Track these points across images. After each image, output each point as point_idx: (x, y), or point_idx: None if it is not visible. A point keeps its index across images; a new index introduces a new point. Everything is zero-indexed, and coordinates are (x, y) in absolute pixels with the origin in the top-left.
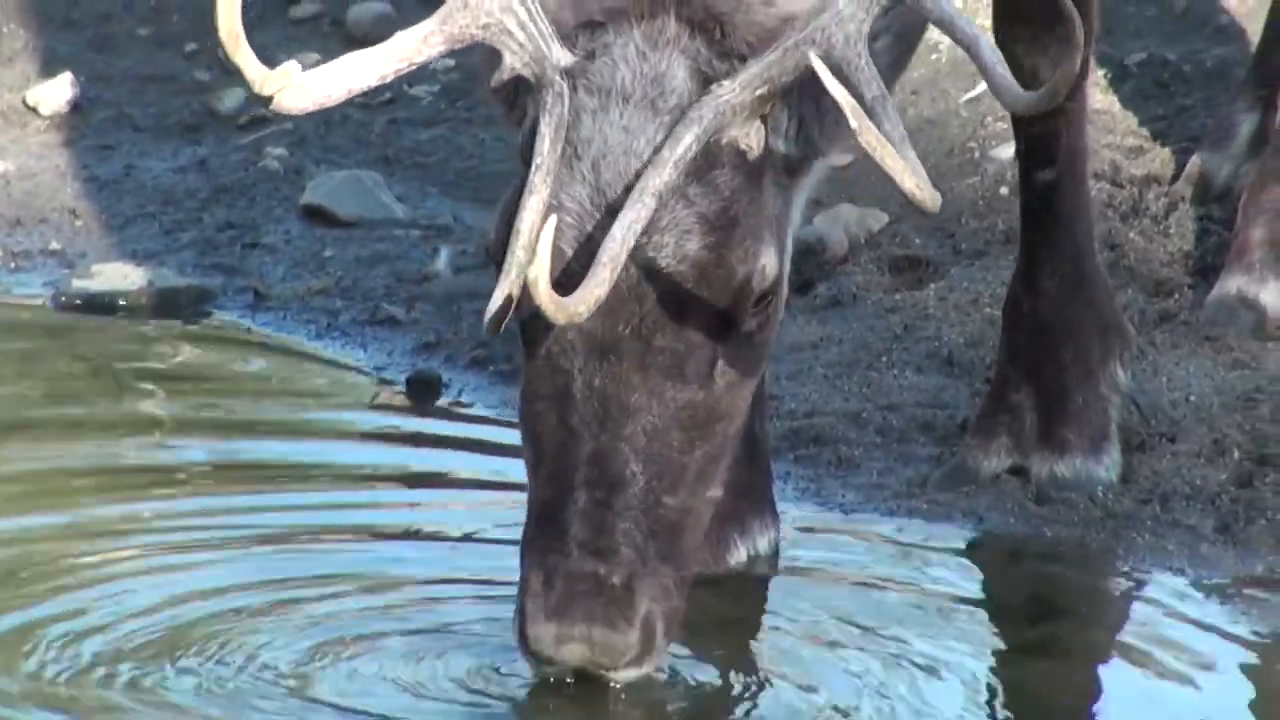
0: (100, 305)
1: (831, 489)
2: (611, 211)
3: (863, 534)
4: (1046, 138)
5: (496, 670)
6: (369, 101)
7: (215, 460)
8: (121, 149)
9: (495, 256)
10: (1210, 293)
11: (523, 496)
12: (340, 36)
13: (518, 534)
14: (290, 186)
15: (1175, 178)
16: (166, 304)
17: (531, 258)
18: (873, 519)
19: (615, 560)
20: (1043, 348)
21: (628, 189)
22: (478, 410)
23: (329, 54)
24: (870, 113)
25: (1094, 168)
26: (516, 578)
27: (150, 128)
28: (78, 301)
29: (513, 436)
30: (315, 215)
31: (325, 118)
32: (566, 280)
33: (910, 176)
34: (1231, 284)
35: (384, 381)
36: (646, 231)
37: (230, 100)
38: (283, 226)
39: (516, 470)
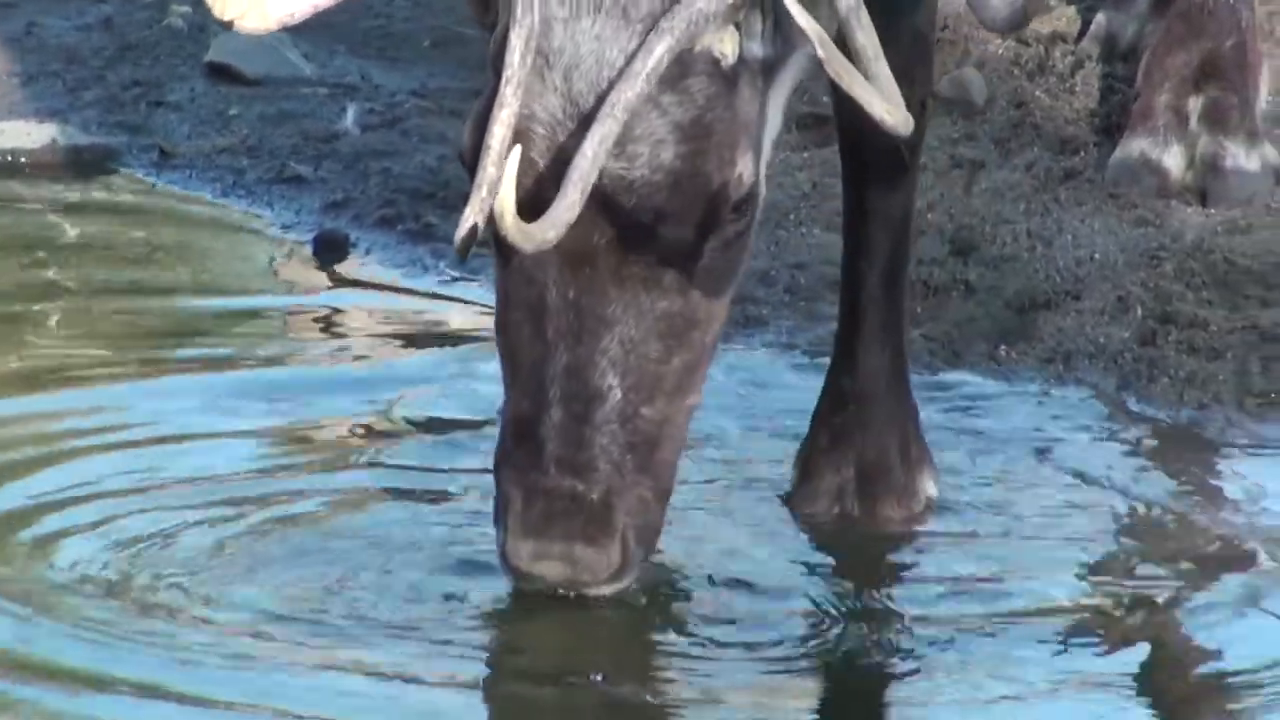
0: (3, 163)
1: (738, 345)
2: (584, 122)
3: (772, 389)
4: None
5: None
6: None
7: (120, 317)
8: (23, 6)
9: (468, 165)
10: (1114, 153)
11: (426, 352)
12: None
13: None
14: (195, 45)
15: (1081, 35)
16: (71, 162)
17: (502, 174)
18: (781, 377)
19: (593, 476)
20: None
21: (600, 99)
22: (386, 268)
23: None
24: (844, 24)
25: None
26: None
27: None
28: None
29: (421, 293)
30: (221, 73)
31: None
32: (538, 191)
33: (880, 103)
34: (1135, 146)
35: (291, 240)
36: (620, 142)
37: None
38: (188, 84)
39: (423, 327)
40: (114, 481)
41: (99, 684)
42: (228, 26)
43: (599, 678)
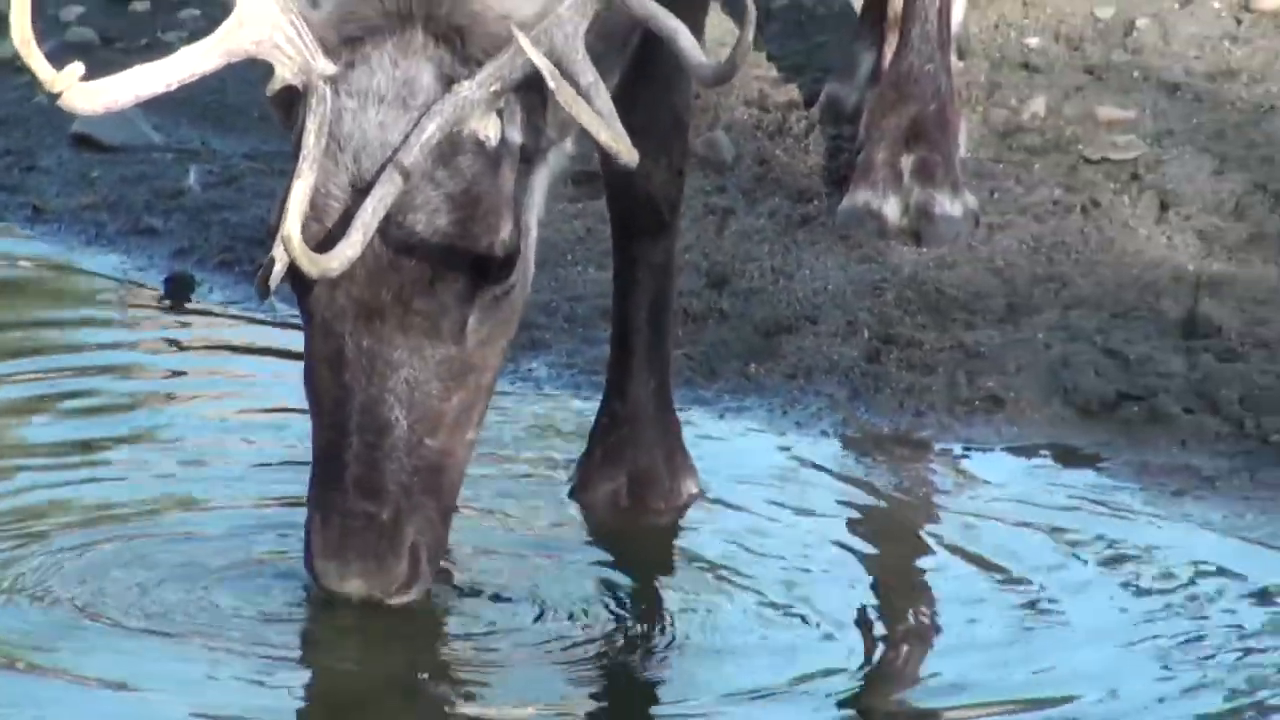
0: None
1: (526, 365)
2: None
3: (554, 405)
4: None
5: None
6: (128, 46)
7: None
8: None
9: (272, 237)
10: (842, 202)
11: (263, 368)
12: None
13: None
14: (61, 118)
15: (811, 103)
16: None
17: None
18: (562, 392)
19: (384, 498)
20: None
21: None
22: (226, 304)
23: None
24: (586, 96)
25: (745, 95)
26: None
27: None
28: None
29: (256, 323)
30: (84, 142)
31: (89, 63)
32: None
33: (605, 130)
34: (859, 197)
35: (145, 282)
36: (403, 210)
37: (7, 47)
38: (55, 152)
39: (258, 351)
40: None
41: None
42: (55, 98)
43: (425, 676)
